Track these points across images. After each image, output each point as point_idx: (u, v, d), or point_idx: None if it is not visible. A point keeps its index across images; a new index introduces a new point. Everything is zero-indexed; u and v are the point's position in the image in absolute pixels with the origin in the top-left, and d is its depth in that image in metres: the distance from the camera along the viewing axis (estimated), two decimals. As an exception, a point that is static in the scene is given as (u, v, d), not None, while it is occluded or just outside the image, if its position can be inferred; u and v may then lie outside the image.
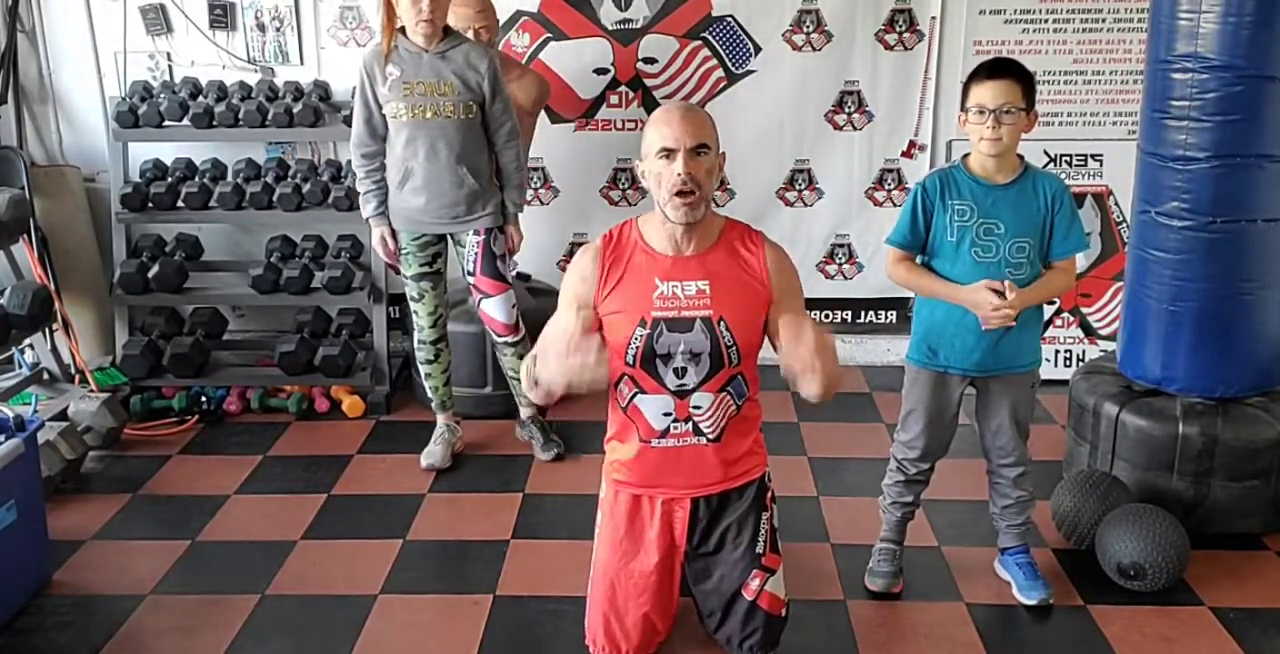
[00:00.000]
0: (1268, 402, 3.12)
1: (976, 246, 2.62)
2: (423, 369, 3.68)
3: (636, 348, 2.36)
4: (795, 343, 2.18)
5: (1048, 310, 4.23)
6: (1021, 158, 2.67)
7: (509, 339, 3.57)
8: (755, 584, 2.48)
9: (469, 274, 3.51)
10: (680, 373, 2.38)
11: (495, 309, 3.52)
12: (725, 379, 2.41)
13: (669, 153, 2.29)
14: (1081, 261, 4.24)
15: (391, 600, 2.87)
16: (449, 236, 3.53)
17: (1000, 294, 2.57)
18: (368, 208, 3.49)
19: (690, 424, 2.43)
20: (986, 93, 2.55)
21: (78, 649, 2.67)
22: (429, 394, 3.71)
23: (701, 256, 2.39)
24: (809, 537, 3.16)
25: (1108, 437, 3.20)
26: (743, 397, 2.45)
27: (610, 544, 2.51)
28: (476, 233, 3.46)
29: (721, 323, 2.37)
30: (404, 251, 3.51)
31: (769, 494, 2.54)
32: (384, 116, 3.37)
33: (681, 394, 2.40)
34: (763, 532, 2.50)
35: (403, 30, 3.32)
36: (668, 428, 2.43)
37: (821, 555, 3.06)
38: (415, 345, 3.66)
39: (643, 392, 2.41)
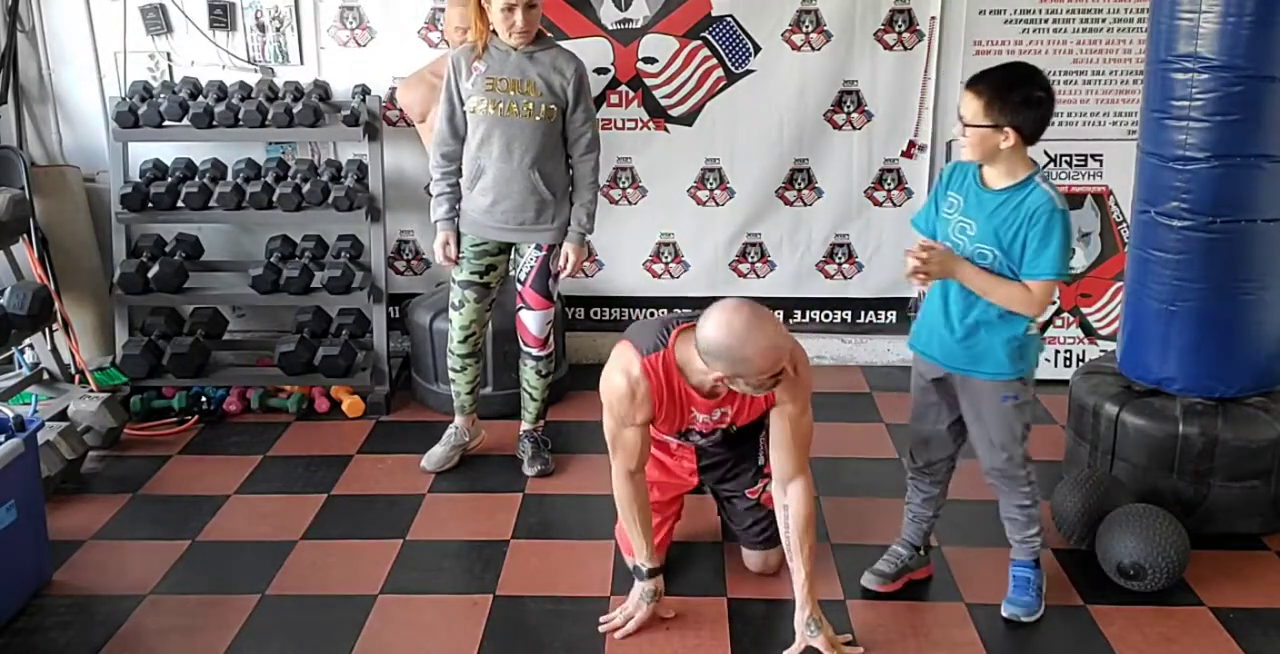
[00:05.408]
0: (1268, 402, 3.12)
1: (950, 240, 2.64)
2: (449, 373, 3.64)
3: None
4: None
5: (1048, 311, 4.23)
6: (1034, 163, 2.62)
7: (535, 352, 3.55)
8: (759, 486, 2.92)
9: (519, 282, 3.49)
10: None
11: (532, 322, 3.51)
12: None
13: None
14: (1082, 261, 4.24)
15: (391, 600, 2.87)
16: (513, 248, 3.48)
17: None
18: (437, 212, 3.43)
19: None
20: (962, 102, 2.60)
21: (78, 649, 2.67)
22: (452, 395, 3.69)
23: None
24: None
25: (1108, 437, 3.20)
26: None
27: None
28: (538, 247, 3.42)
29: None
30: (461, 256, 3.46)
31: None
32: (465, 114, 3.33)
33: None
34: (761, 449, 2.86)
35: (495, 31, 3.27)
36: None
37: (821, 555, 3.04)
38: (447, 349, 3.61)
39: None
